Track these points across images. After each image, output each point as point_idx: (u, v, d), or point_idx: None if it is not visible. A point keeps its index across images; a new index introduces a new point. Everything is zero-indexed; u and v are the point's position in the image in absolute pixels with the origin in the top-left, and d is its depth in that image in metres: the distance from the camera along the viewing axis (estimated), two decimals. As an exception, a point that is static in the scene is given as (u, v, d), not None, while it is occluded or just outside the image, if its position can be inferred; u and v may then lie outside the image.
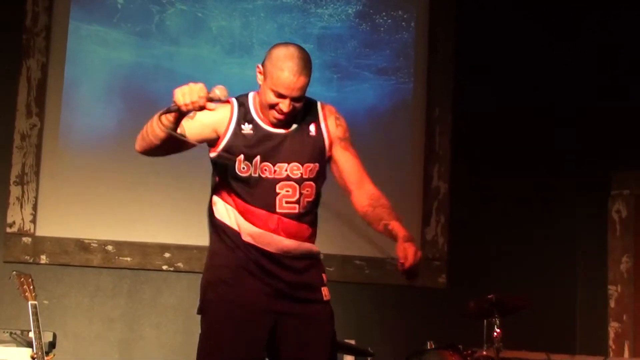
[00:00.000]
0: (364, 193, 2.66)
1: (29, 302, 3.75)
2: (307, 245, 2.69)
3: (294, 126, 2.66)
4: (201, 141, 2.65)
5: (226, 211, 2.68)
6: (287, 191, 2.63)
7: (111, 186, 4.64)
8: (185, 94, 2.45)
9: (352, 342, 4.26)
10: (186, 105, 2.45)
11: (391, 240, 2.55)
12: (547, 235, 5.04)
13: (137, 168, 4.64)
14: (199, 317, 2.73)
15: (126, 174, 4.65)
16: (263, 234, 2.63)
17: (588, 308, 5.03)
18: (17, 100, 4.61)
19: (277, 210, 2.63)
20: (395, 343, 4.66)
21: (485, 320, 4.07)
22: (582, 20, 5.16)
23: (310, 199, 2.67)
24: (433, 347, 4.13)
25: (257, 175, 2.62)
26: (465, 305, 4.02)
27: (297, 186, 2.64)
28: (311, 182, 2.65)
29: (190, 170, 4.57)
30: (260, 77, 2.63)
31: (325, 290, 2.71)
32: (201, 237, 4.57)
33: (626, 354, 4.87)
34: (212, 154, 2.68)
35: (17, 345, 3.94)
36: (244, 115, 2.65)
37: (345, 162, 2.69)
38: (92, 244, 4.60)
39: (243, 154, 2.62)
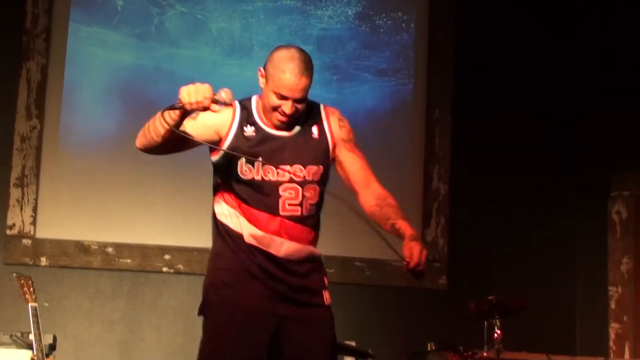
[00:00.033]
0: (370, 193, 2.66)
1: (29, 304, 3.75)
2: (309, 249, 2.69)
3: (297, 129, 2.67)
4: (202, 142, 2.64)
5: (229, 213, 2.68)
6: (290, 193, 2.63)
7: (111, 188, 4.64)
8: (190, 93, 2.46)
9: (353, 343, 4.26)
10: (191, 104, 2.46)
11: (399, 239, 2.54)
12: (547, 237, 5.04)
13: (137, 170, 4.65)
14: (199, 318, 2.73)
15: (126, 175, 4.65)
16: (265, 237, 2.63)
17: (588, 309, 5.03)
18: (17, 102, 4.61)
19: (280, 212, 2.63)
20: (395, 344, 4.66)
21: (485, 322, 4.06)
22: (582, 22, 5.16)
23: (313, 202, 2.67)
24: (433, 348, 4.14)
25: (259, 177, 2.62)
26: (466, 306, 4.02)
27: (300, 188, 2.64)
28: (314, 185, 2.65)
29: (190, 172, 4.57)
30: (262, 81, 2.63)
31: (326, 294, 2.71)
32: (201, 239, 4.59)
33: (627, 355, 4.87)
34: (215, 157, 2.68)
35: (17, 348, 3.94)
36: (247, 118, 2.65)
37: (351, 163, 2.70)
38: (92, 246, 4.60)
39: (245, 156, 2.61)
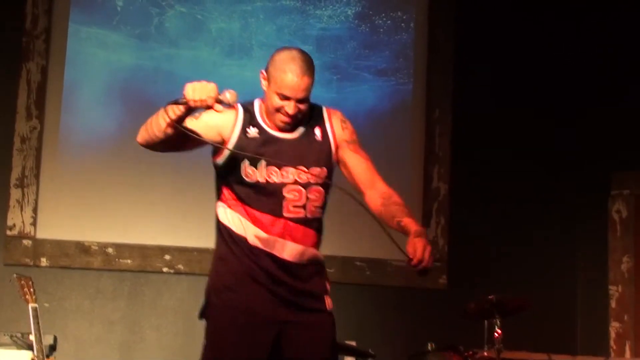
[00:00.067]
0: (376, 193, 2.66)
1: (30, 305, 3.75)
2: (312, 251, 2.70)
3: (300, 131, 2.68)
4: (205, 141, 2.64)
5: (232, 217, 2.68)
6: (294, 195, 2.64)
7: (111, 188, 4.64)
8: (196, 90, 2.47)
9: (353, 343, 4.26)
10: (194, 101, 2.47)
11: (405, 236, 2.54)
12: (548, 236, 5.04)
13: (137, 170, 4.65)
14: (199, 319, 2.73)
15: (126, 176, 4.66)
16: (269, 239, 2.64)
17: (589, 308, 5.03)
18: (17, 103, 4.61)
19: (284, 214, 2.64)
20: (396, 344, 4.66)
21: (485, 321, 4.06)
22: (581, 21, 5.15)
23: (317, 204, 2.68)
24: (434, 348, 4.13)
25: (263, 179, 2.63)
26: (466, 306, 4.02)
27: (303, 190, 2.64)
28: (319, 187, 2.66)
29: (190, 172, 4.58)
30: (264, 83, 2.65)
31: (328, 300, 2.72)
32: (201, 239, 4.61)
33: (627, 354, 4.87)
34: (218, 160, 2.68)
35: (18, 348, 3.94)
36: (250, 120, 2.66)
37: (356, 164, 2.71)
38: (92, 247, 4.60)
39: (248, 158, 2.62)
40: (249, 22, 4.87)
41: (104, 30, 4.73)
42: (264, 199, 2.63)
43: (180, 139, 2.58)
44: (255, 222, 2.64)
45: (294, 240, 2.65)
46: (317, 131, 2.69)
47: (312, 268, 2.70)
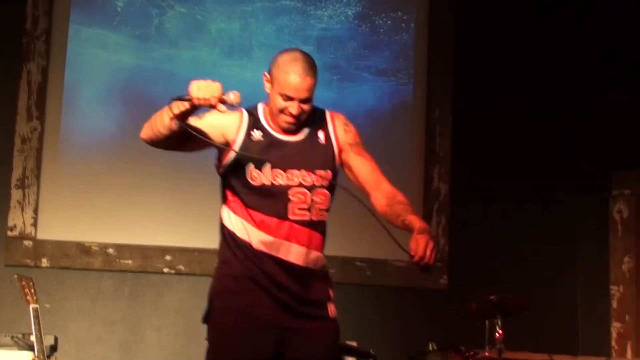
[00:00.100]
0: (380, 193, 2.68)
1: (30, 306, 3.75)
2: (317, 254, 2.71)
3: (304, 134, 2.70)
4: (208, 141, 2.64)
5: (236, 222, 2.69)
6: (299, 198, 2.65)
7: (112, 189, 4.64)
8: (200, 89, 2.48)
9: (354, 343, 4.26)
10: (198, 99, 2.48)
11: (410, 234, 2.54)
12: (548, 236, 5.04)
13: (137, 170, 4.65)
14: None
15: (127, 176, 4.66)
16: (275, 241, 2.65)
17: (590, 309, 5.03)
18: (17, 104, 4.62)
19: (289, 216, 2.65)
20: (396, 344, 4.66)
21: (487, 321, 4.06)
22: (581, 21, 5.15)
23: (323, 207, 2.69)
24: (435, 348, 4.13)
25: (269, 182, 2.64)
26: (467, 306, 4.02)
27: (308, 193, 2.66)
28: (324, 190, 2.68)
29: (191, 173, 4.58)
30: (267, 85, 2.67)
31: (331, 307, 2.73)
32: (202, 240, 4.61)
33: (629, 354, 4.87)
34: (224, 163, 2.69)
35: (19, 349, 3.94)
36: (254, 123, 2.68)
37: (360, 165, 2.73)
38: (93, 247, 4.60)
39: (253, 161, 2.64)
40: (249, 22, 4.87)
41: (105, 30, 4.73)
42: (269, 202, 2.64)
43: (183, 138, 2.59)
44: (260, 225, 2.65)
45: (300, 242, 2.66)
46: (321, 134, 2.71)
47: (316, 272, 2.71)
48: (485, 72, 5.07)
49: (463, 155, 5.00)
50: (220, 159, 2.70)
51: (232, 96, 2.50)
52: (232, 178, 2.68)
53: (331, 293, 2.75)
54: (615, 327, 4.93)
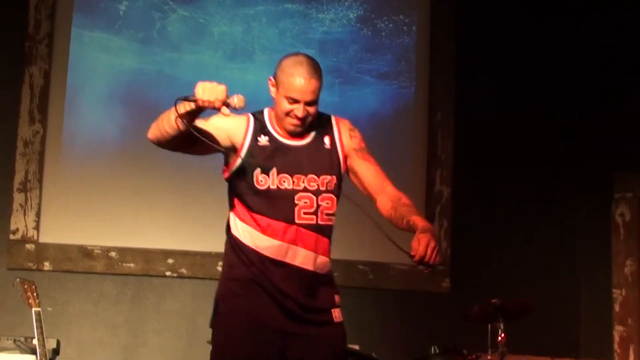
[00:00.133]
0: (386, 197, 2.70)
1: (33, 309, 3.75)
2: (324, 259, 2.72)
3: (310, 138, 2.72)
4: (215, 144, 2.66)
5: (242, 230, 2.71)
6: (305, 202, 2.67)
7: (114, 192, 4.64)
8: (205, 90, 2.50)
9: (356, 347, 4.25)
10: (203, 101, 2.50)
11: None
12: (551, 239, 5.03)
13: (140, 174, 4.65)
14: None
15: (129, 180, 4.66)
16: (282, 246, 2.66)
17: (592, 312, 5.02)
18: (19, 108, 4.62)
19: (296, 220, 2.66)
20: (399, 348, 4.66)
21: (489, 325, 4.05)
22: (583, 23, 5.15)
23: (330, 211, 2.71)
24: (437, 352, 4.12)
25: (275, 186, 2.66)
26: (469, 309, 4.02)
27: (314, 197, 2.68)
28: (330, 195, 2.70)
29: (193, 176, 4.58)
30: (273, 90, 2.70)
31: (336, 312, 2.73)
32: (204, 243, 4.61)
33: (631, 358, 4.86)
34: (232, 169, 2.70)
35: (21, 353, 3.94)
36: (260, 128, 2.71)
37: (365, 171, 2.75)
38: (95, 251, 4.61)
39: (260, 166, 2.66)
40: (251, 25, 4.88)
41: (107, 34, 4.74)
42: (276, 206, 2.66)
43: (189, 140, 2.61)
44: (266, 230, 2.66)
45: (306, 247, 2.67)
46: (327, 139, 2.74)
47: (322, 277, 2.72)
48: (487, 75, 5.07)
49: (465, 158, 5.00)
50: (227, 163, 2.72)
51: (236, 100, 2.53)
52: (239, 182, 2.70)
53: (337, 299, 2.76)
54: (618, 330, 4.92)
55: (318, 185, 2.68)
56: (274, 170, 2.66)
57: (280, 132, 2.71)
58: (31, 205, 4.57)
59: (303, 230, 2.66)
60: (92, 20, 4.73)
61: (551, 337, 4.82)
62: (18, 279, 3.88)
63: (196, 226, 4.63)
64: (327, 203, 2.69)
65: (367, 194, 2.75)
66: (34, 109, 4.63)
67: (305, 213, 2.67)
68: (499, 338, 3.90)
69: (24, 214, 4.57)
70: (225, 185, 2.79)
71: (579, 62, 5.11)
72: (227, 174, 2.74)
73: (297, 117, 2.65)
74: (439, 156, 4.99)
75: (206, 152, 2.72)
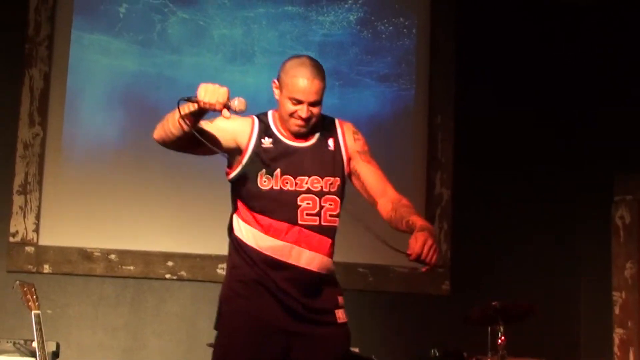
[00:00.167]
0: (386, 200, 2.72)
1: (32, 312, 3.74)
2: (327, 260, 2.73)
3: (314, 140, 2.74)
4: (218, 146, 2.67)
5: (245, 231, 2.72)
6: (308, 204, 2.68)
7: (114, 195, 4.64)
8: (207, 92, 2.53)
9: (356, 350, 4.25)
10: (204, 102, 2.53)
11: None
12: (551, 242, 5.03)
13: (139, 176, 4.65)
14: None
15: (129, 182, 4.66)
16: (285, 246, 2.67)
17: (592, 315, 5.02)
18: (19, 110, 4.62)
19: (299, 221, 2.68)
20: (399, 351, 4.65)
21: (489, 327, 4.05)
22: (583, 23, 5.15)
23: (333, 213, 2.72)
24: (437, 354, 4.12)
25: (278, 187, 2.67)
26: (469, 312, 4.01)
27: (317, 199, 2.69)
28: (333, 196, 2.71)
29: (193, 179, 4.57)
30: (276, 92, 2.72)
31: (339, 313, 2.74)
32: (204, 246, 4.61)
33: (631, 360, 4.86)
34: (237, 171, 2.71)
35: (21, 355, 3.94)
36: (265, 130, 2.73)
37: (368, 173, 2.77)
38: (95, 253, 4.60)
39: (264, 167, 2.68)
40: (251, 28, 4.88)
41: (107, 36, 4.74)
42: (279, 207, 2.67)
43: (193, 140, 2.62)
44: (269, 230, 2.67)
45: (310, 247, 2.69)
46: (330, 141, 2.76)
47: (326, 278, 2.73)
48: (487, 77, 5.07)
49: (465, 160, 5.00)
50: (230, 165, 2.73)
51: (237, 102, 2.55)
52: (242, 183, 2.72)
53: (340, 300, 2.77)
54: (618, 333, 4.92)
55: (322, 186, 2.70)
56: (278, 172, 2.67)
57: (284, 133, 2.73)
58: (31, 208, 4.57)
59: (306, 231, 2.67)
60: (92, 23, 4.73)
61: (551, 340, 4.82)
62: (18, 282, 3.87)
63: (196, 229, 4.63)
64: (331, 204, 2.70)
65: (368, 197, 2.76)
66: (34, 112, 4.63)
67: (308, 214, 2.68)
68: (499, 340, 3.90)
69: (24, 216, 4.56)
70: (226, 187, 2.80)
71: (579, 62, 5.11)
72: (230, 176, 2.74)
73: (301, 118, 2.67)
74: (439, 159, 4.99)
75: (211, 152, 2.72)
